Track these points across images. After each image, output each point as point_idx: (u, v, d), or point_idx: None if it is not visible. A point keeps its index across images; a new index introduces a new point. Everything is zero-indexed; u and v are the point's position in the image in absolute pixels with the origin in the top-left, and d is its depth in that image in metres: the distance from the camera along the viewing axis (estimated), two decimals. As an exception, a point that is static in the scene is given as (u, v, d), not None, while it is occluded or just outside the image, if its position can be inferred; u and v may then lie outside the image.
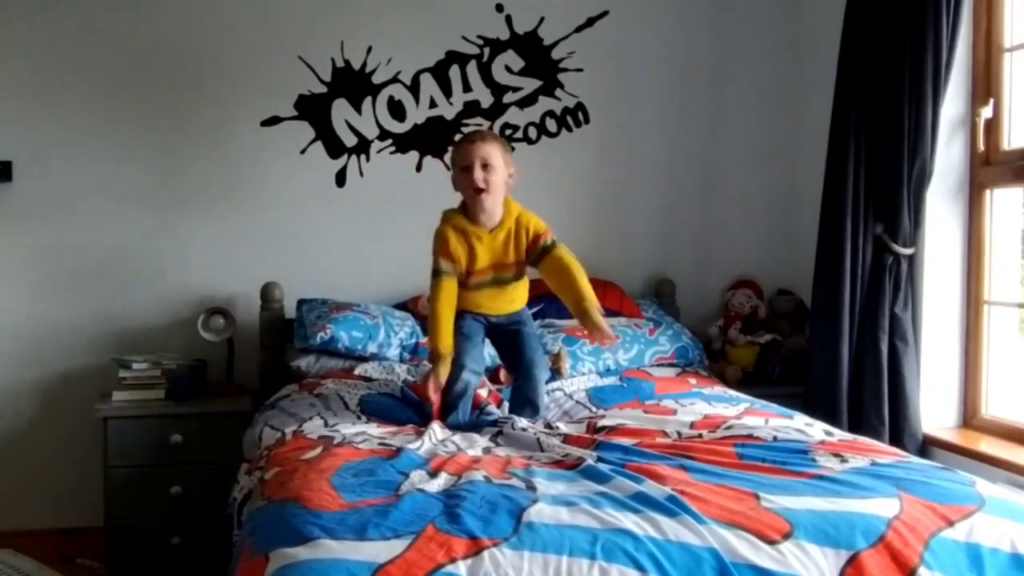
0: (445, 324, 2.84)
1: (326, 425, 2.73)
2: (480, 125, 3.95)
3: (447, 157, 3.91)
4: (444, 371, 2.81)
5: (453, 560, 1.70)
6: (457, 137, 2.93)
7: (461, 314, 2.92)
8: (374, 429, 2.68)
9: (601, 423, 2.75)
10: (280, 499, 2.06)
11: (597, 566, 1.72)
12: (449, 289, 2.85)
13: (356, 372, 3.35)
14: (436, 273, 2.87)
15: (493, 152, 2.78)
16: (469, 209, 2.84)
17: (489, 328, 2.97)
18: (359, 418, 2.82)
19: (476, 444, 2.53)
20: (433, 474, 2.18)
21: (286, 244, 3.87)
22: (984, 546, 1.92)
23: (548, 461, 2.35)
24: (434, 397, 2.80)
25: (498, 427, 2.70)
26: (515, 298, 2.97)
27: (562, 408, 3.08)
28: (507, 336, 3.00)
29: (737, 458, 2.31)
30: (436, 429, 2.64)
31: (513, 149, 2.88)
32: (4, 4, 3.64)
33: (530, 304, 3.73)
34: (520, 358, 2.97)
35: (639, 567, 1.72)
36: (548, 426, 2.77)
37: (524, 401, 2.92)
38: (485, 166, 2.77)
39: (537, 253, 2.86)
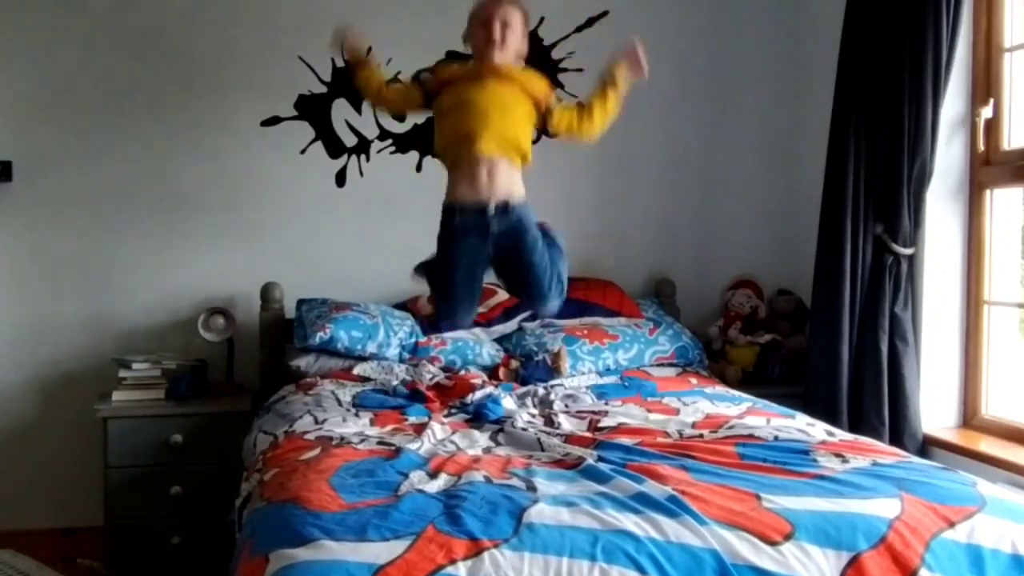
0: (387, 90, 2.85)
1: (316, 422, 2.73)
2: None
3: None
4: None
5: (453, 561, 1.70)
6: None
7: (449, 212, 2.72)
8: (370, 429, 2.68)
9: (602, 422, 2.75)
10: (279, 500, 2.05)
11: (598, 568, 1.72)
12: (409, 89, 2.84)
13: (355, 372, 3.35)
14: (415, 77, 2.84)
15: (515, 15, 2.69)
16: (482, 64, 2.73)
17: (488, 252, 2.69)
18: (351, 412, 2.82)
19: (476, 444, 2.53)
20: (433, 474, 2.18)
21: (286, 244, 3.87)
22: (985, 547, 1.92)
23: (548, 460, 2.34)
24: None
25: (499, 425, 2.70)
26: (513, 178, 2.73)
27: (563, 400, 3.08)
28: (507, 241, 2.69)
29: (738, 458, 2.31)
30: (435, 428, 2.64)
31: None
32: (4, 5, 3.64)
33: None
34: (526, 275, 2.74)
35: (640, 569, 1.72)
36: (549, 422, 2.77)
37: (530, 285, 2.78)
38: (504, 25, 2.66)
39: (545, 111, 2.77)
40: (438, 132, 2.78)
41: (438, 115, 2.79)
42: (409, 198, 3.91)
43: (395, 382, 3.24)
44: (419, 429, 2.64)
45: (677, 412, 2.86)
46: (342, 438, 2.54)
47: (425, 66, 2.86)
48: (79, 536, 3.69)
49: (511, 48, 2.70)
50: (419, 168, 3.95)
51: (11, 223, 3.68)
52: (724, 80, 4.16)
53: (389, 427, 2.69)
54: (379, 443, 2.50)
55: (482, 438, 2.60)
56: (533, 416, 2.84)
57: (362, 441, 2.51)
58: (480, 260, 2.70)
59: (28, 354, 3.72)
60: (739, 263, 4.20)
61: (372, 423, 2.72)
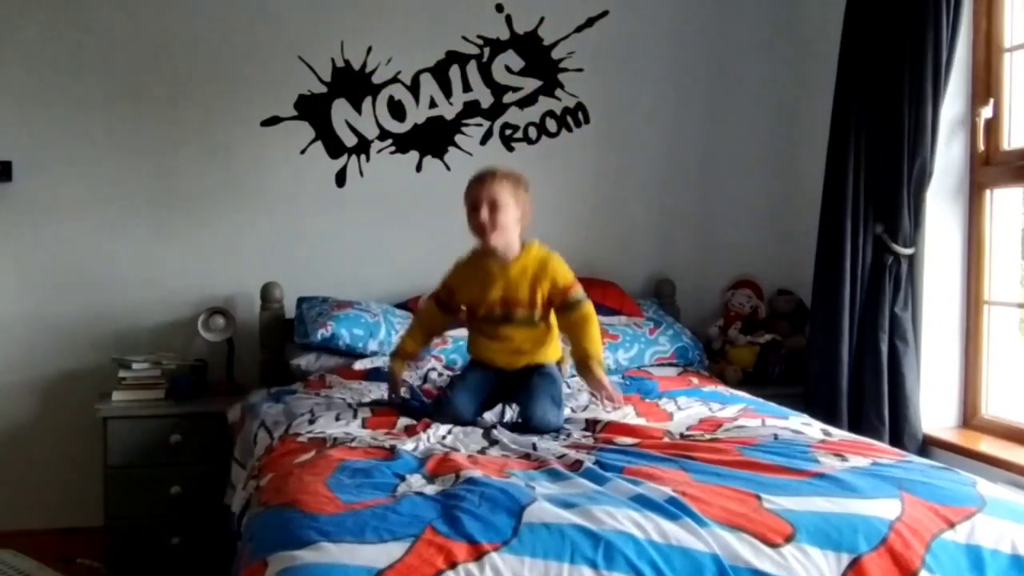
0: (418, 329, 2.97)
1: (311, 421, 2.72)
2: (479, 125, 3.96)
3: (447, 157, 3.94)
4: (398, 369, 2.93)
5: (453, 565, 1.69)
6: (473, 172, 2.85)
7: (471, 362, 2.95)
8: (366, 431, 2.67)
9: (600, 417, 2.76)
10: (276, 504, 2.04)
11: (599, 574, 1.71)
12: (433, 314, 2.95)
13: (356, 367, 3.34)
14: (434, 295, 2.96)
15: (501, 191, 2.72)
16: (483, 248, 2.80)
17: (501, 380, 2.85)
18: (354, 415, 2.81)
19: (471, 445, 2.52)
20: (429, 475, 2.18)
21: (286, 244, 3.87)
22: (985, 547, 1.91)
23: (546, 460, 2.34)
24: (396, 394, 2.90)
25: (495, 424, 2.71)
26: (529, 350, 2.84)
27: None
28: (518, 378, 2.83)
29: (738, 457, 2.30)
30: (431, 430, 2.65)
31: (528, 190, 2.81)
32: (4, 5, 3.64)
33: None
34: (524, 404, 2.75)
35: (639, 574, 1.72)
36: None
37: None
38: (493, 205, 2.71)
39: (561, 305, 2.79)
40: (466, 295, 2.88)
41: (460, 287, 2.90)
42: (409, 198, 3.92)
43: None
44: (411, 431, 2.63)
45: (671, 417, 2.85)
46: (335, 439, 2.54)
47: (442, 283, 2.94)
48: (79, 536, 3.70)
49: (505, 225, 2.73)
50: (419, 168, 3.94)
51: (11, 223, 3.68)
52: (724, 80, 4.16)
53: (382, 430, 2.67)
54: (372, 444, 2.49)
55: (477, 439, 2.59)
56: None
57: (353, 440, 2.50)
58: (491, 383, 2.87)
59: (28, 354, 3.72)
60: (739, 263, 4.20)
61: (364, 425, 2.69)
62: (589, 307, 2.81)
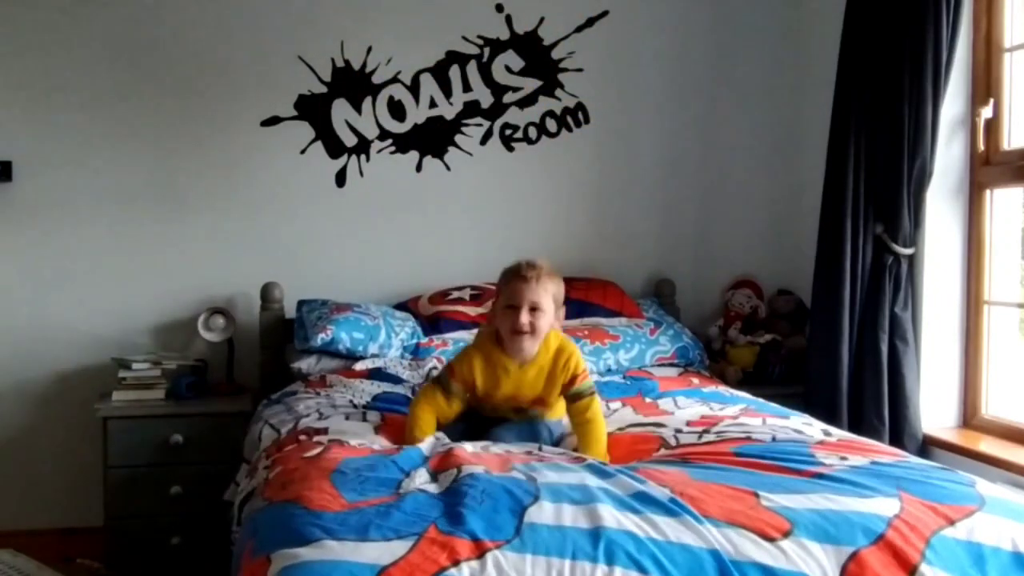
0: (425, 424, 2.57)
1: (320, 418, 2.73)
2: (479, 125, 3.96)
3: (447, 157, 3.94)
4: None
5: (456, 563, 1.69)
6: (512, 264, 2.65)
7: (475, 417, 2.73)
8: (373, 434, 2.67)
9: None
10: (281, 500, 2.05)
11: (600, 570, 1.71)
12: (440, 404, 2.61)
13: (357, 367, 3.34)
14: (438, 382, 2.66)
15: (545, 296, 2.55)
16: (505, 343, 2.61)
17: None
18: (362, 416, 2.81)
19: (475, 444, 2.52)
20: (433, 472, 2.18)
21: (286, 244, 3.87)
22: (986, 545, 1.92)
23: (548, 456, 2.34)
24: None
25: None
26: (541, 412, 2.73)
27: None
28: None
29: (736, 457, 2.31)
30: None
31: (562, 281, 2.66)
32: (4, 4, 3.64)
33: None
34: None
35: (641, 569, 1.72)
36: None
37: None
38: (535, 309, 2.55)
39: (569, 393, 2.62)
40: (472, 384, 2.65)
41: (466, 374, 2.66)
42: (409, 198, 3.92)
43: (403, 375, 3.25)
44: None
45: (672, 415, 2.85)
46: (342, 435, 2.54)
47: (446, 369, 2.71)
48: (79, 536, 3.69)
49: (542, 329, 2.57)
50: (419, 168, 3.95)
51: (11, 223, 3.68)
52: (724, 80, 4.16)
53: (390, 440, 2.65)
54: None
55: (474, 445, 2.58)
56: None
57: (362, 440, 2.51)
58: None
59: (28, 354, 3.72)
60: (739, 263, 4.20)
61: (377, 430, 2.65)
62: (596, 404, 2.61)
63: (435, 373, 2.80)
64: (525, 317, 2.53)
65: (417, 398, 2.65)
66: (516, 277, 2.58)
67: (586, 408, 2.58)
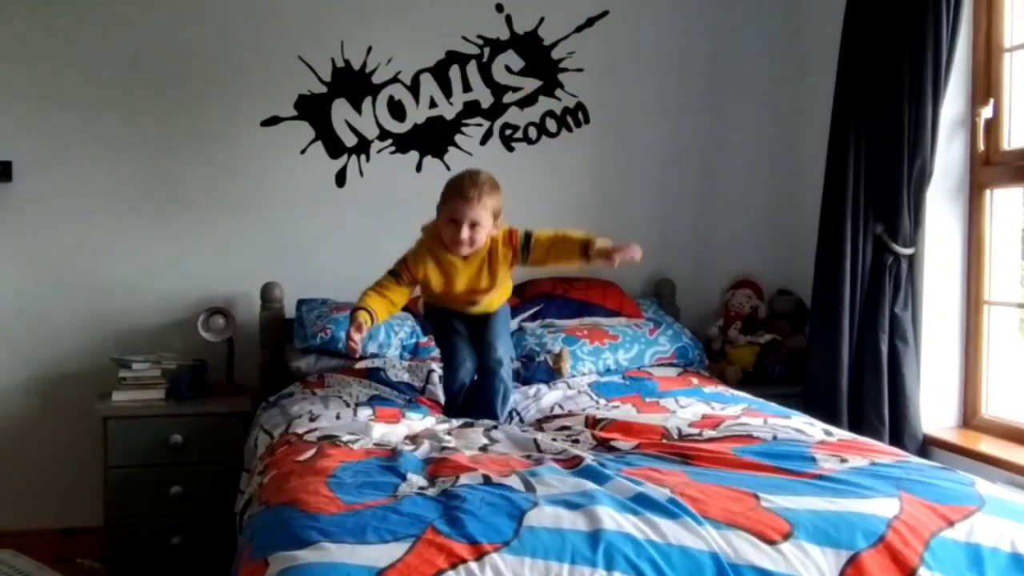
0: (370, 300, 2.85)
1: (311, 420, 2.74)
2: (479, 125, 3.96)
3: (447, 157, 3.93)
4: (362, 322, 2.80)
5: (454, 565, 1.69)
6: (456, 176, 2.86)
7: (442, 312, 3.00)
8: (375, 423, 2.69)
9: (600, 415, 2.76)
10: (277, 503, 2.05)
11: (599, 573, 1.71)
12: (392, 291, 2.88)
13: (357, 367, 3.35)
14: (391, 272, 2.91)
15: (484, 213, 2.76)
16: (448, 246, 2.83)
17: (466, 319, 3.03)
18: (353, 413, 2.82)
19: (472, 443, 2.53)
20: (431, 476, 2.18)
21: (286, 244, 3.87)
22: (984, 546, 1.92)
23: (547, 458, 2.34)
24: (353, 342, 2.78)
25: (495, 424, 2.71)
26: (491, 302, 3.00)
27: (560, 402, 3.09)
28: (480, 318, 3.02)
29: (736, 458, 2.31)
30: (434, 428, 2.66)
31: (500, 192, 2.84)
32: (4, 4, 3.64)
33: (530, 303, 3.75)
34: (482, 337, 2.96)
35: (640, 573, 1.72)
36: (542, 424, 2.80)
37: (482, 404, 2.92)
38: (474, 225, 2.76)
39: (520, 251, 2.88)
40: (426, 281, 2.92)
41: (418, 274, 2.91)
42: (409, 198, 3.90)
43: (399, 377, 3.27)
44: (414, 435, 2.64)
45: (673, 413, 2.86)
46: (337, 437, 2.54)
47: (400, 261, 2.95)
48: (79, 536, 3.69)
49: (480, 241, 2.80)
50: (419, 168, 3.94)
51: (11, 223, 3.68)
52: (724, 80, 4.16)
53: (387, 425, 2.70)
54: (376, 444, 2.50)
55: (478, 437, 2.59)
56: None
57: (356, 441, 2.51)
58: (460, 326, 3.01)
59: (28, 354, 3.72)
60: (739, 263, 4.20)
61: (369, 429, 2.69)
62: (541, 232, 2.87)
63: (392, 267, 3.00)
64: (465, 233, 2.75)
65: (373, 286, 2.90)
66: (458, 196, 2.76)
67: (540, 240, 2.86)
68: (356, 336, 2.76)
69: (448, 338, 2.99)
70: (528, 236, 2.87)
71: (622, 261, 2.80)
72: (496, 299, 3.01)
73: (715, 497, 1.99)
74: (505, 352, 2.99)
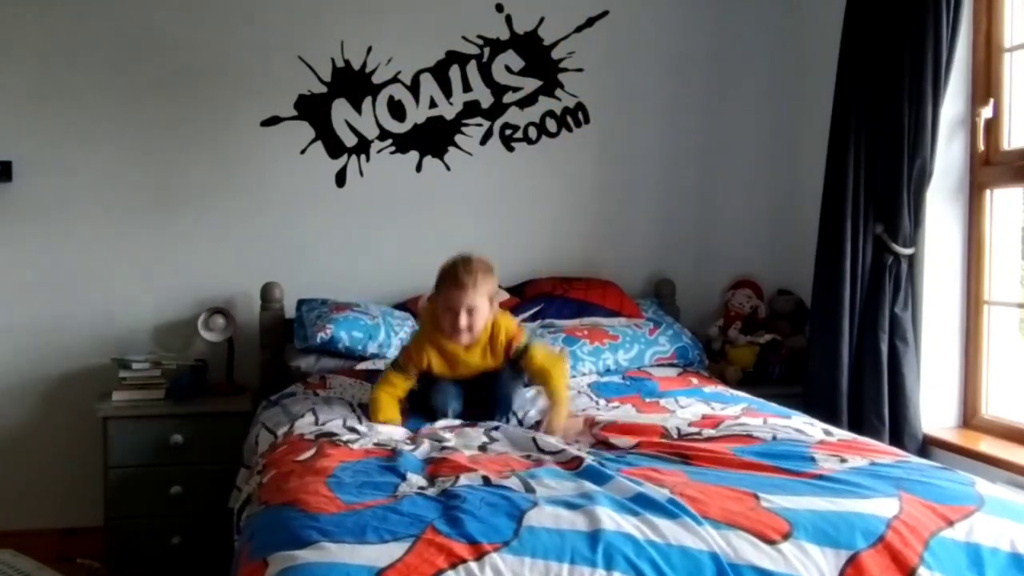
0: (387, 407, 2.83)
1: (316, 423, 2.74)
2: (479, 125, 3.95)
3: (447, 157, 3.94)
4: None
5: (453, 565, 1.69)
6: (448, 265, 2.82)
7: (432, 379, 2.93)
8: (368, 426, 2.70)
9: (600, 417, 2.76)
10: (277, 503, 2.05)
11: (598, 573, 1.71)
12: (401, 386, 2.88)
13: (358, 368, 3.34)
14: (396, 366, 2.90)
15: (480, 299, 2.76)
16: (448, 335, 2.84)
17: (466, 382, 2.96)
18: (356, 415, 2.82)
19: (472, 443, 2.53)
20: (430, 476, 2.18)
21: (286, 244, 3.87)
22: (984, 546, 1.92)
23: (546, 460, 2.34)
24: None
25: (496, 425, 2.72)
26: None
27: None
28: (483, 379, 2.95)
29: (736, 458, 2.31)
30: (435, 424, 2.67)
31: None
32: (4, 4, 3.64)
33: (530, 303, 3.75)
34: (494, 394, 2.91)
35: (640, 573, 1.72)
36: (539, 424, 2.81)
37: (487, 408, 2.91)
38: (471, 311, 2.76)
39: (514, 355, 2.88)
40: (429, 366, 2.90)
41: (422, 363, 2.90)
42: (409, 198, 3.92)
43: None
44: (412, 437, 2.65)
45: (673, 413, 2.86)
46: (337, 437, 2.54)
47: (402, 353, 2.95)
48: (79, 536, 3.69)
49: (479, 327, 2.80)
50: (419, 168, 3.94)
51: (11, 223, 3.68)
52: (724, 80, 4.16)
53: (388, 426, 2.70)
54: (376, 444, 2.50)
55: (477, 436, 2.59)
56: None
57: (357, 440, 2.51)
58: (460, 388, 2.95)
59: (28, 354, 3.72)
60: (739, 263, 4.20)
61: (370, 429, 2.69)
62: (537, 351, 2.90)
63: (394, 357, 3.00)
64: (464, 321, 2.77)
65: (378, 383, 2.90)
66: (453, 284, 2.77)
67: (529, 362, 2.88)
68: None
69: (438, 392, 2.92)
70: (523, 350, 2.88)
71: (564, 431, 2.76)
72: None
73: (715, 497, 1.99)
74: (519, 406, 2.94)
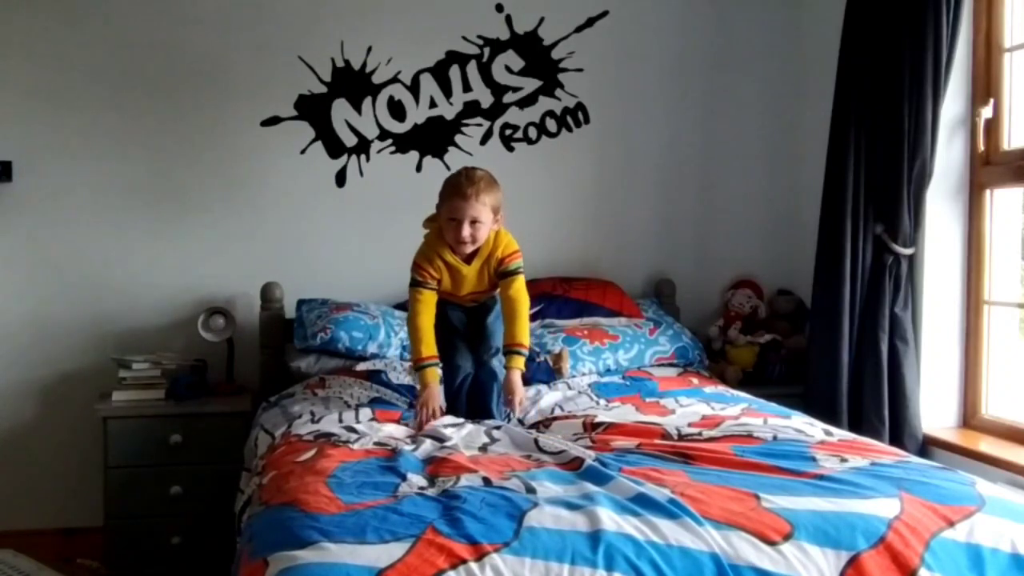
0: (428, 334, 2.87)
1: (313, 421, 2.73)
2: (479, 125, 3.96)
3: (447, 157, 3.93)
4: (434, 384, 2.84)
5: (454, 566, 1.69)
6: (453, 175, 2.88)
7: (442, 304, 2.97)
8: (375, 423, 2.69)
9: (599, 419, 2.76)
10: (277, 503, 2.05)
11: (599, 574, 1.71)
12: (430, 300, 2.89)
13: (359, 368, 3.34)
14: (416, 284, 2.90)
15: (484, 210, 2.78)
16: (452, 246, 2.86)
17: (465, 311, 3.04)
18: (354, 415, 2.82)
19: (473, 443, 2.53)
20: (431, 476, 2.18)
21: (286, 244, 3.87)
22: (984, 546, 1.92)
23: (547, 461, 2.34)
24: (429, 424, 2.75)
25: (496, 423, 2.72)
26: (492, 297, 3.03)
27: (560, 403, 3.09)
28: (478, 308, 3.03)
29: (737, 458, 2.31)
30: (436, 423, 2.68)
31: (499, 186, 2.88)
32: (4, 4, 3.64)
33: (530, 303, 3.74)
34: (478, 330, 3.00)
35: (640, 574, 1.72)
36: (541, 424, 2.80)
37: (479, 403, 2.93)
38: (474, 222, 2.78)
39: (500, 271, 2.91)
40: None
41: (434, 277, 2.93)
42: (409, 198, 3.90)
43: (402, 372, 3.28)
44: (412, 435, 2.64)
45: (673, 413, 2.86)
46: (337, 437, 2.54)
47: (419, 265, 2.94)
48: (79, 536, 3.69)
49: (482, 238, 2.82)
50: (419, 168, 3.94)
51: (11, 223, 3.68)
52: (724, 80, 4.16)
53: (389, 424, 2.70)
54: (376, 443, 2.50)
55: (479, 435, 2.59)
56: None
57: (357, 440, 2.51)
58: (458, 322, 3.01)
59: (28, 354, 3.72)
60: (739, 263, 4.20)
61: (371, 428, 2.69)
62: (520, 283, 2.91)
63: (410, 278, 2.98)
64: (467, 231, 2.78)
65: (414, 309, 2.89)
66: (456, 193, 2.78)
67: (509, 285, 2.89)
68: (435, 408, 2.79)
69: (447, 337, 2.99)
70: (511, 272, 2.90)
71: (507, 401, 2.87)
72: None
73: (715, 497, 1.99)
74: (501, 343, 2.99)
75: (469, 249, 2.84)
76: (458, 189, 2.78)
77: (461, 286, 2.92)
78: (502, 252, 2.89)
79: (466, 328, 3.02)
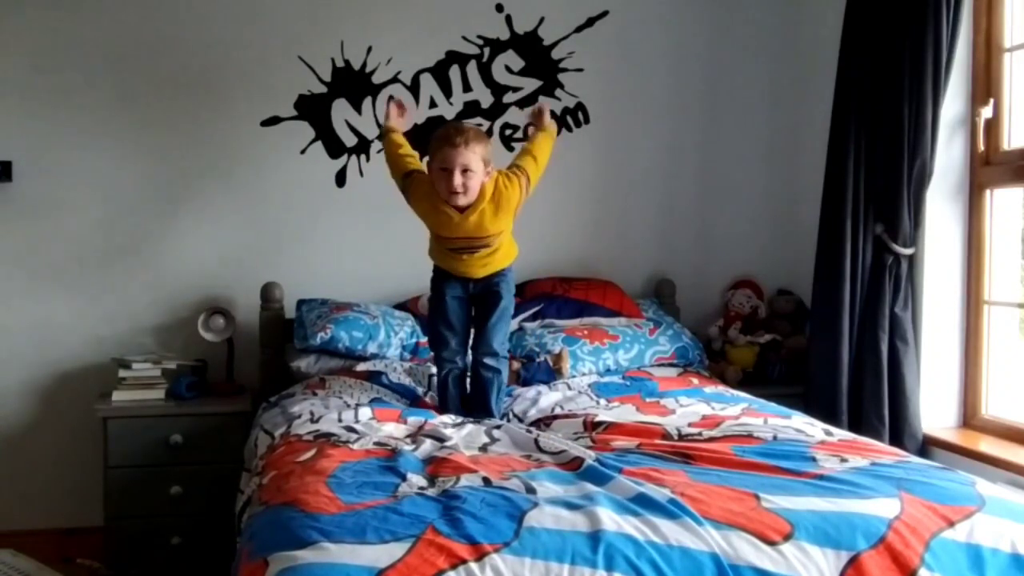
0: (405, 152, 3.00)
1: (313, 421, 2.73)
2: (479, 125, 3.95)
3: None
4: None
5: (454, 566, 1.69)
6: (440, 129, 2.92)
7: (440, 275, 2.98)
8: (375, 422, 2.70)
9: (599, 418, 2.76)
10: (277, 503, 2.05)
11: (599, 575, 1.71)
12: (400, 139, 3.01)
13: (359, 368, 3.34)
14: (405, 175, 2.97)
15: (475, 159, 2.76)
16: (444, 198, 2.84)
17: (469, 296, 3.01)
18: (354, 415, 2.82)
19: (473, 443, 2.53)
20: (431, 476, 2.18)
21: (286, 244, 3.87)
22: (984, 547, 1.92)
23: (547, 461, 2.34)
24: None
25: (496, 423, 2.72)
26: (491, 262, 2.97)
27: (560, 403, 3.09)
28: (483, 298, 3.01)
29: (737, 458, 2.31)
30: (435, 420, 2.69)
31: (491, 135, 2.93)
32: (4, 3, 3.64)
33: (530, 303, 3.75)
34: (479, 325, 2.99)
35: (640, 575, 1.72)
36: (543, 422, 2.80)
37: (478, 400, 2.95)
38: (465, 171, 2.76)
39: (525, 179, 2.91)
40: (421, 216, 2.97)
41: (413, 203, 2.97)
42: (409, 198, 3.91)
43: (399, 379, 3.28)
44: (414, 435, 2.65)
45: (674, 412, 2.86)
46: (336, 437, 2.54)
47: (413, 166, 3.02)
48: (79, 536, 3.69)
49: (474, 188, 2.79)
50: (419, 168, 3.94)
51: (11, 223, 3.68)
52: (724, 80, 4.16)
53: (389, 424, 2.70)
54: (376, 443, 2.50)
55: (479, 435, 2.59)
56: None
57: (357, 440, 2.51)
58: (461, 297, 3.00)
59: (28, 354, 3.72)
60: (739, 263, 4.20)
61: (371, 428, 2.69)
62: (528, 163, 2.94)
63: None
64: (458, 179, 2.75)
65: (388, 149, 3.05)
66: (446, 143, 2.77)
67: (520, 172, 2.91)
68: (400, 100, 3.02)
69: (439, 330, 3.00)
70: (519, 168, 2.94)
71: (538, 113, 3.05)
72: (500, 257, 2.97)
73: (715, 497, 1.99)
74: (500, 344, 2.99)
75: (462, 201, 2.79)
76: (448, 139, 2.77)
77: (449, 229, 2.88)
78: (504, 181, 2.87)
79: (463, 326, 3.01)
